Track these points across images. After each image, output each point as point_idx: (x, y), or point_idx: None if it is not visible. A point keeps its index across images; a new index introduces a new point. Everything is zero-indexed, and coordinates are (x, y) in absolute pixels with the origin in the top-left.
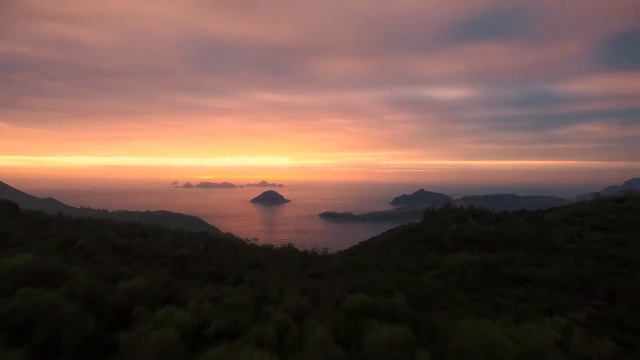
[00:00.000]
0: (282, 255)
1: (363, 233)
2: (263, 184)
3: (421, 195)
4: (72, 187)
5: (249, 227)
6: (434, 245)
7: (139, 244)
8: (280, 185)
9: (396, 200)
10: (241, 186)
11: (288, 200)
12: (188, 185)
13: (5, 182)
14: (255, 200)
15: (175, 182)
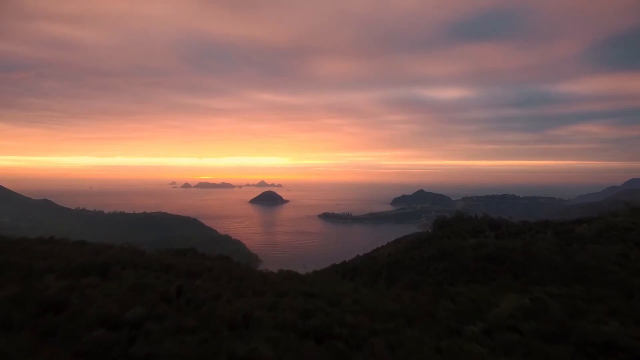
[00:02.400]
0: (279, 293)
1: (363, 235)
2: (262, 184)
3: (420, 195)
4: (69, 188)
5: (247, 228)
6: (452, 265)
7: (80, 295)
8: (279, 186)
9: (395, 201)
10: (240, 186)
11: (287, 201)
12: (186, 186)
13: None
14: (254, 201)
15: (173, 183)
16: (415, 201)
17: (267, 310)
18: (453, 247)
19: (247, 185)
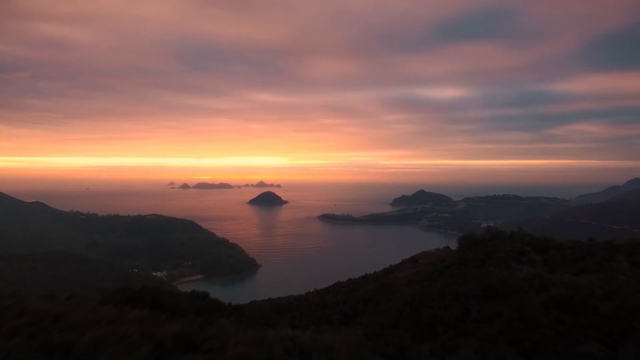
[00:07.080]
0: None
1: (365, 237)
2: (261, 184)
3: (421, 195)
4: (66, 189)
5: (245, 230)
6: (506, 312)
7: None
8: (278, 186)
9: (396, 201)
10: (239, 187)
11: (286, 202)
12: (185, 186)
13: None
14: (253, 202)
15: (172, 183)
16: (415, 201)
17: None
18: (499, 281)
19: (246, 185)
